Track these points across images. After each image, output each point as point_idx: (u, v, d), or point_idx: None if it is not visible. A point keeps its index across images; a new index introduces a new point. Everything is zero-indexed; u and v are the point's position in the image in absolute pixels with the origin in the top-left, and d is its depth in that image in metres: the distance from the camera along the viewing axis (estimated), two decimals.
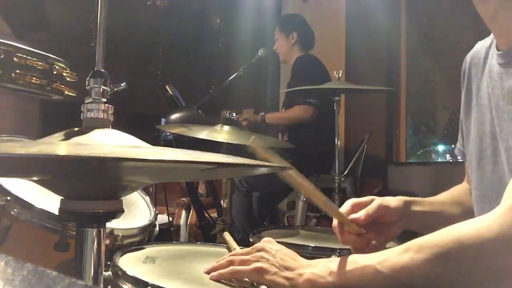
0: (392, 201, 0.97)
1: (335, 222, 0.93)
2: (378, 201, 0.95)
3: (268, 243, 0.85)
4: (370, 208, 0.93)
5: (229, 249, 1.05)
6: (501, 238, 0.64)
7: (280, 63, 4.07)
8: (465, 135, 0.98)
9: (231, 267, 0.81)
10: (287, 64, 2.92)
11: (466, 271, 0.68)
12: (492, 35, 0.90)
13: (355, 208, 0.94)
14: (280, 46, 2.91)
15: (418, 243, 0.71)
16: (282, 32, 2.89)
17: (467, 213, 1.00)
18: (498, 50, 0.85)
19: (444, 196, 1.07)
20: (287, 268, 0.78)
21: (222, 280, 0.80)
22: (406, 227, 1.01)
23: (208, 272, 0.83)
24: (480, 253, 0.66)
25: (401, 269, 0.70)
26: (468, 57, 0.99)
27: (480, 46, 0.95)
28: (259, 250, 0.83)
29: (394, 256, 0.72)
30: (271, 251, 0.82)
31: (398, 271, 0.70)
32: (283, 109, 2.93)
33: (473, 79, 0.94)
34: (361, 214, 0.92)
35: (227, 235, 1.11)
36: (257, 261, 0.80)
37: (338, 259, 0.78)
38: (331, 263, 0.77)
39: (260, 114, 2.75)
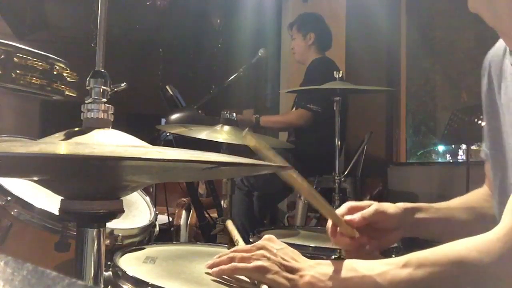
0: (390, 207, 0.94)
1: (329, 222, 0.91)
2: (375, 206, 0.93)
3: (269, 241, 0.85)
4: (366, 212, 0.91)
5: (231, 239, 1.04)
6: (502, 261, 0.64)
7: (280, 63, 4.08)
8: (490, 136, 0.94)
9: (232, 264, 0.80)
10: (303, 64, 2.85)
11: None
12: None
13: (352, 211, 0.93)
14: (297, 46, 2.84)
15: (418, 259, 0.71)
16: (299, 32, 2.82)
17: (478, 219, 0.97)
18: (510, 49, 0.84)
19: (455, 201, 1.02)
20: (288, 268, 0.78)
21: (222, 280, 0.80)
22: (411, 235, 0.98)
23: (209, 267, 0.83)
24: (480, 276, 0.66)
25: (399, 283, 0.70)
26: (489, 54, 0.95)
27: (500, 43, 0.91)
28: (260, 248, 0.82)
29: (393, 270, 0.72)
30: (272, 249, 0.81)
31: (396, 286, 0.71)
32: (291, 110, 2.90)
33: (494, 78, 0.91)
34: (356, 216, 0.90)
35: (230, 224, 1.10)
36: (258, 259, 0.79)
37: (339, 263, 0.78)
38: (331, 267, 0.77)
39: (255, 116, 2.69)
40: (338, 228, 0.90)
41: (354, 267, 0.76)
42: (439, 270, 0.67)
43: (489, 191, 1.01)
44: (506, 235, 0.65)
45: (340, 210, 0.94)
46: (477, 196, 1.03)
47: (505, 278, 0.65)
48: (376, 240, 0.92)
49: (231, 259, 0.82)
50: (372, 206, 0.93)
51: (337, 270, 0.76)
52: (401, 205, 0.96)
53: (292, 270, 0.78)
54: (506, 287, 0.65)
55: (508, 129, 0.82)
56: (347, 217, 0.90)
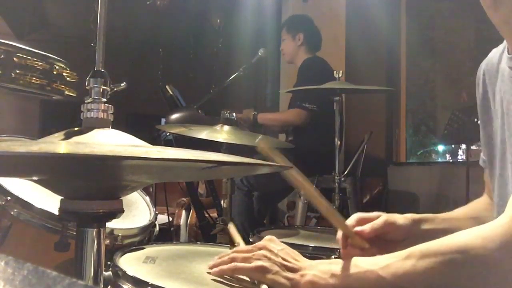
0: (399, 218, 0.93)
1: (339, 234, 0.90)
2: (384, 217, 0.92)
3: (270, 241, 0.85)
4: (376, 223, 0.91)
5: (232, 241, 1.05)
6: (504, 248, 0.64)
7: (280, 63, 4.08)
8: (485, 143, 0.95)
9: (233, 264, 0.81)
10: (293, 64, 2.88)
11: (468, 280, 0.68)
12: (505, 42, 0.88)
13: (361, 222, 0.92)
14: (287, 47, 2.87)
15: (420, 250, 0.71)
16: (289, 33, 2.85)
17: None
18: (509, 53, 0.84)
19: (459, 212, 1.03)
20: (289, 268, 0.78)
21: (222, 280, 0.80)
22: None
23: (211, 268, 0.83)
24: (483, 263, 0.66)
25: (403, 275, 0.70)
26: (483, 64, 0.97)
27: (494, 53, 0.93)
28: (261, 248, 0.82)
29: (396, 262, 0.71)
30: (273, 250, 0.81)
31: (400, 278, 0.70)
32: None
33: (488, 86, 0.92)
34: (366, 227, 0.90)
35: (232, 228, 1.10)
36: (259, 259, 0.79)
37: (341, 261, 0.78)
38: (333, 265, 0.77)
39: (253, 113, 2.72)
40: (348, 240, 0.89)
41: (356, 263, 0.75)
42: (443, 259, 0.67)
43: (488, 199, 1.02)
44: (508, 222, 0.65)
45: (349, 222, 0.93)
46: (479, 205, 1.04)
47: (506, 264, 0.65)
48: (384, 251, 0.89)
49: (232, 260, 0.82)
50: (381, 217, 0.92)
51: (339, 268, 0.75)
52: (409, 216, 0.95)
53: (293, 270, 0.78)
54: (509, 274, 0.65)
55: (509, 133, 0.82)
56: (357, 229, 0.90)
